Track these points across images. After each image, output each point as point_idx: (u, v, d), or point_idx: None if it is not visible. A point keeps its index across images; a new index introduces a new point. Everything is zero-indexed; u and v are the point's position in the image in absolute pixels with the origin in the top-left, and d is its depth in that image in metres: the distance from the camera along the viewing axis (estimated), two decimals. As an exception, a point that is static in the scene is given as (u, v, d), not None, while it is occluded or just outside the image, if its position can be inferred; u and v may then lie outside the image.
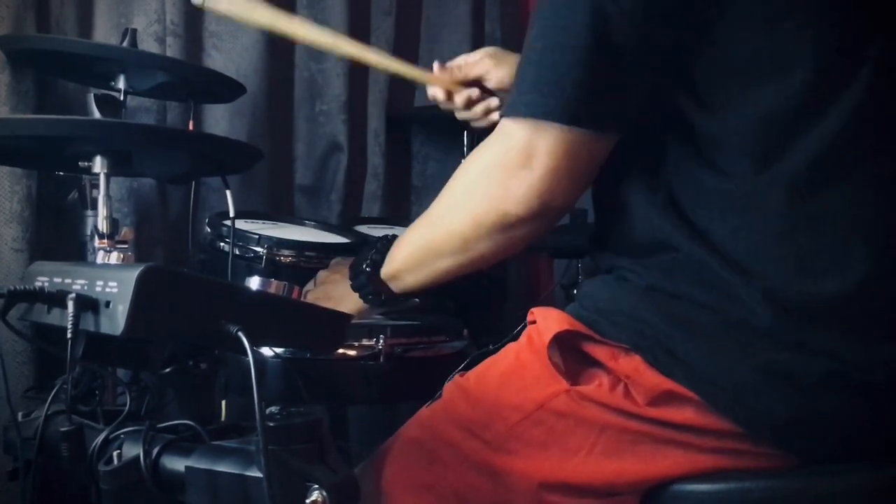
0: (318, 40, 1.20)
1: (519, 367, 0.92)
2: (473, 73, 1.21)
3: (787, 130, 0.83)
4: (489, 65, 1.20)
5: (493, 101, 1.22)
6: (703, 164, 0.85)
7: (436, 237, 0.97)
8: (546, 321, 0.91)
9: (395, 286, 1.05)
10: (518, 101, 0.86)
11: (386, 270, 1.04)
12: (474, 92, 1.21)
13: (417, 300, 1.10)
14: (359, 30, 1.93)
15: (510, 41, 2.33)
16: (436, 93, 1.23)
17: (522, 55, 0.88)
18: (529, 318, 0.95)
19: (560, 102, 0.82)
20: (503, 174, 0.87)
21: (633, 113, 0.86)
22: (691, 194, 0.86)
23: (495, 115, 1.21)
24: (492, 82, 1.21)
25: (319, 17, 1.88)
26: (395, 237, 1.07)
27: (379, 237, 1.09)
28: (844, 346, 0.81)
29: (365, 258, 1.06)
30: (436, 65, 1.22)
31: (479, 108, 1.23)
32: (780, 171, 0.82)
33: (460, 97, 1.21)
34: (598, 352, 0.88)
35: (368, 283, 1.05)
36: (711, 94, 0.84)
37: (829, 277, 0.82)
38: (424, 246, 0.99)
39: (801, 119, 0.83)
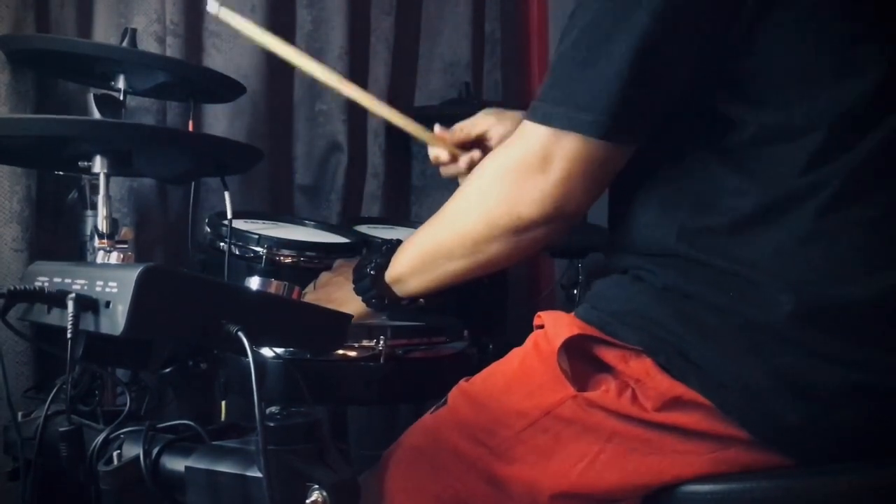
0: (321, 77, 1.16)
1: (525, 372, 0.92)
2: (475, 131, 1.19)
3: (838, 138, 0.82)
4: (491, 122, 1.19)
5: None
6: (733, 170, 0.84)
7: (446, 238, 0.96)
8: (556, 326, 0.90)
9: (400, 289, 1.04)
10: (549, 111, 0.85)
11: (391, 273, 1.03)
12: (476, 154, 1.18)
13: (422, 301, 1.09)
14: (359, 29, 1.93)
15: (510, 41, 2.33)
16: (438, 154, 1.20)
17: (556, 57, 0.87)
18: (536, 321, 0.94)
19: (593, 118, 0.82)
20: (519, 176, 0.87)
21: (656, 125, 0.85)
22: (715, 199, 0.85)
23: None
24: (494, 140, 1.18)
25: (319, 17, 1.88)
26: (399, 242, 1.06)
27: (383, 241, 1.08)
28: (865, 354, 0.80)
29: (369, 261, 1.05)
30: (437, 128, 1.20)
31: None
32: (825, 176, 0.82)
33: (464, 160, 1.19)
34: (608, 355, 0.87)
35: (372, 287, 1.04)
36: (759, 101, 0.83)
37: (858, 282, 0.81)
38: (433, 247, 0.98)
39: (852, 126, 0.82)
